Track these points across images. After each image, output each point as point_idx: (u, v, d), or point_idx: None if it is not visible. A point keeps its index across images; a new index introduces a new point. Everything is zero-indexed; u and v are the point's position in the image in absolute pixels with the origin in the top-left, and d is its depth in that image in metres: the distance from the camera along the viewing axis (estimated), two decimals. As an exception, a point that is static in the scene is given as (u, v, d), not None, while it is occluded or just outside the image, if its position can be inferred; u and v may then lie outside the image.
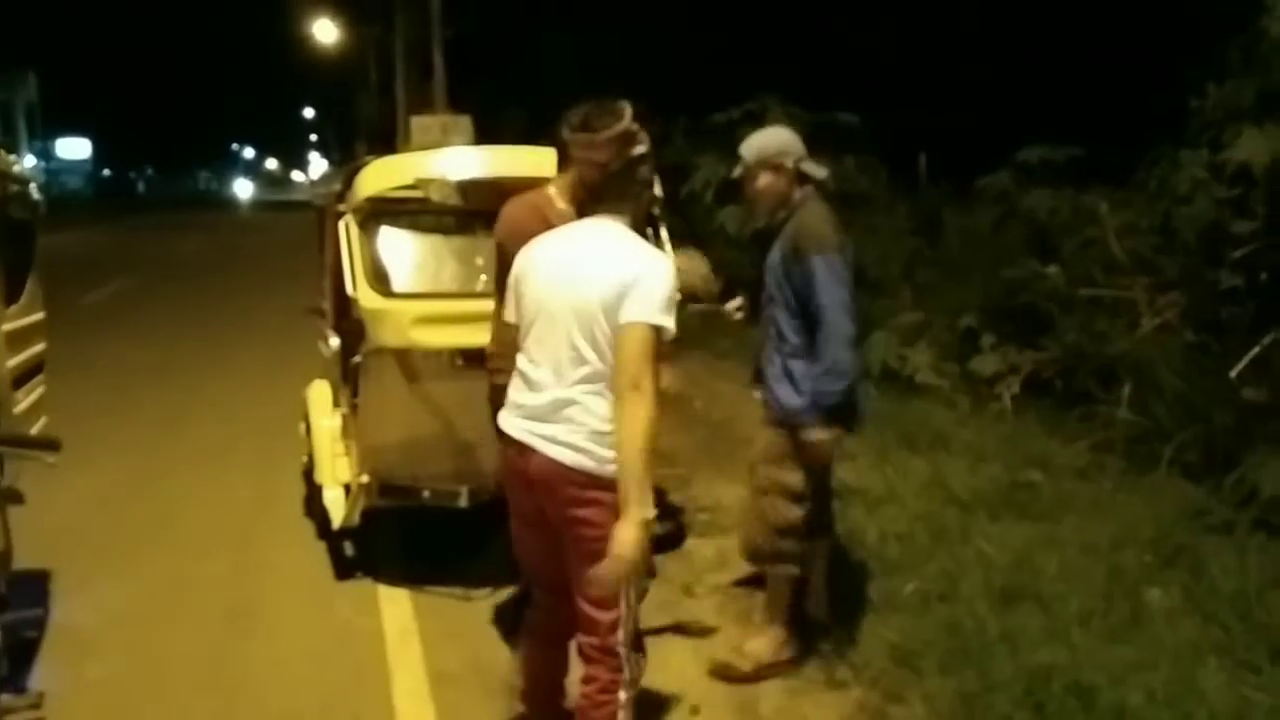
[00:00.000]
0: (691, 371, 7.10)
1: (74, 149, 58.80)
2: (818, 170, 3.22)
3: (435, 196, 3.92)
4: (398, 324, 3.74)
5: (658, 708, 3.02)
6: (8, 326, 3.27)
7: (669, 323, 2.26)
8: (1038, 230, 6.71)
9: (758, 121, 9.18)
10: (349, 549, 4.19)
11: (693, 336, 7.39)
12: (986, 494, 4.20)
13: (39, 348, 3.80)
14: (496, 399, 2.70)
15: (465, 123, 9.73)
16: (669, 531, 4.38)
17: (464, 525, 4.10)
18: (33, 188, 3.91)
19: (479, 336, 3.80)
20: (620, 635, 2.34)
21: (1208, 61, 5.55)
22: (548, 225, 3.14)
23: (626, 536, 2.16)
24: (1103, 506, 4.04)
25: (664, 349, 2.30)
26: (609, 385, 2.27)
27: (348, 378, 4.02)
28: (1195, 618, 3.12)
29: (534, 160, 4.09)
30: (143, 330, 10.43)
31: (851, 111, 9.22)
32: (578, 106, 2.50)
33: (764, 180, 3.18)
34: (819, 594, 3.31)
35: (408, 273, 4.03)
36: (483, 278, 4.04)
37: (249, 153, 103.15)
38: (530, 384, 2.38)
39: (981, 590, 3.30)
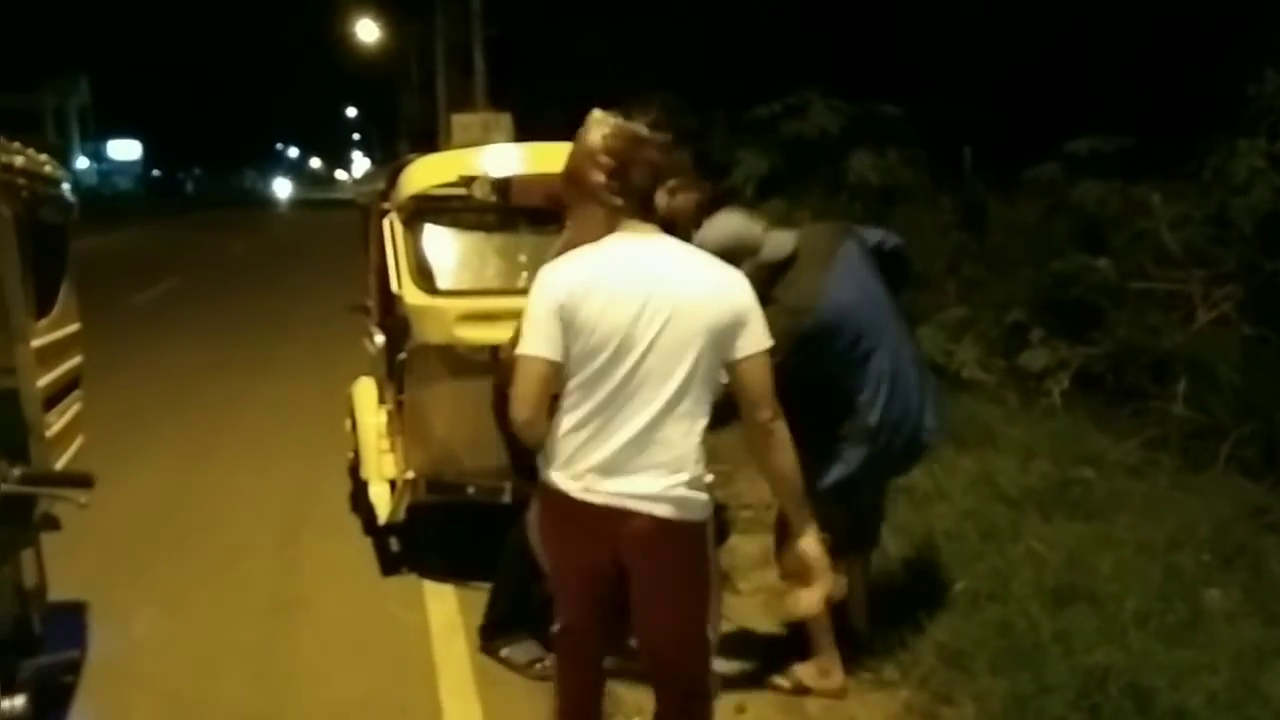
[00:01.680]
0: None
1: (125, 150, 60.15)
2: (777, 252, 2.95)
3: (478, 193, 3.93)
4: (442, 321, 3.76)
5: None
6: (38, 343, 2.99)
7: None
8: (1087, 222, 6.58)
9: (799, 115, 9.12)
10: (394, 544, 4.23)
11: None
12: (1037, 491, 4.12)
13: (74, 361, 3.51)
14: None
15: (506, 120, 9.76)
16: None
17: (508, 521, 4.10)
18: (65, 189, 3.58)
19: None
20: (710, 672, 2.29)
21: (1264, 46, 5.40)
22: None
23: (818, 554, 2.23)
24: (1158, 505, 3.94)
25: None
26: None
27: (393, 374, 4.05)
28: (1257, 619, 3.04)
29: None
30: (192, 328, 10.62)
31: (894, 102, 9.12)
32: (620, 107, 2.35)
33: None
34: (859, 605, 3.25)
35: (452, 270, 4.05)
36: (525, 274, 4.04)
37: (293, 152, 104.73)
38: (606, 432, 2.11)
39: (1033, 590, 3.23)
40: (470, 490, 3.98)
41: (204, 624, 3.69)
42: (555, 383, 2.11)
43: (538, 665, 3.30)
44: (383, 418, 4.36)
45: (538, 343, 2.09)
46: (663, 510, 2.08)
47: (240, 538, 4.51)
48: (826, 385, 2.85)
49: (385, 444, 4.28)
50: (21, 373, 2.83)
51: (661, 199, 2.23)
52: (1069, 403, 5.51)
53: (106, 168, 58.03)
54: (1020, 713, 2.66)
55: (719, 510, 4.55)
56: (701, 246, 2.79)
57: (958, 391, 5.93)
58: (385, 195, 4.28)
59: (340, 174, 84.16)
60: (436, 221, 4.07)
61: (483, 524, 4.24)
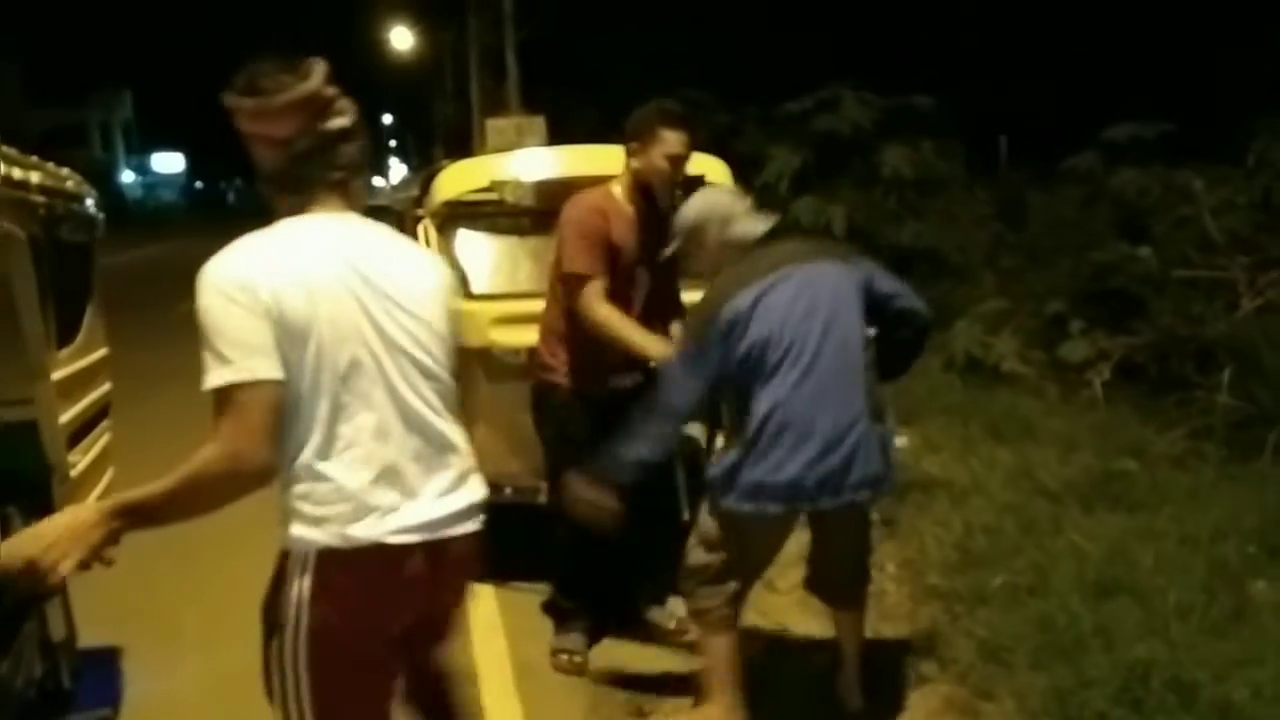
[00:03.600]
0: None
1: (168, 163, 61.35)
2: (746, 233, 2.83)
3: (510, 198, 3.98)
4: (477, 324, 3.81)
5: (741, 703, 3.01)
6: (60, 374, 2.73)
7: None
8: (1127, 211, 6.49)
9: (831, 109, 9.08)
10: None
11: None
12: (1078, 484, 4.07)
13: (102, 390, 3.27)
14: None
15: (539, 124, 9.83)
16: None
17: (544, 522, 4.14)
18: (90, 204, 3.30)
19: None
20: None
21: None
22: (608, 224, 3.19)
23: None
24: (1202, 496, 3.88)
25: None
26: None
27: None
28: (1305, 612, 2.98)
29: (606, 159, 4.10)
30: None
31: (928, 94, 9.04)
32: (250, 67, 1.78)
33: (688, 252, 2.93)
34: (850, 672, 2.96)
35: (485, 274, 4.11)
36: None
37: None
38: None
39: (1074, 583, 3.19)
40: (507, 491, 4.02)
41: (239, 621, 3.74)
42: None
43: (562, 656, 3.36)
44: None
45: None
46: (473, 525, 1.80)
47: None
48: (730, 383, 2.68)
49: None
50: (42, 409, 2.58)
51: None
52: (1111, 394, 5.44)
53: (151, 180, 59.23)
54: (1061, 707, 2.63)
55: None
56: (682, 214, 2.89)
57: (996, 384, 5.88)
58: (419, 201, 4.35)
59: (378, 181, 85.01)
60: (470, 226, 4.12)
61: (520, 525, 4.29)
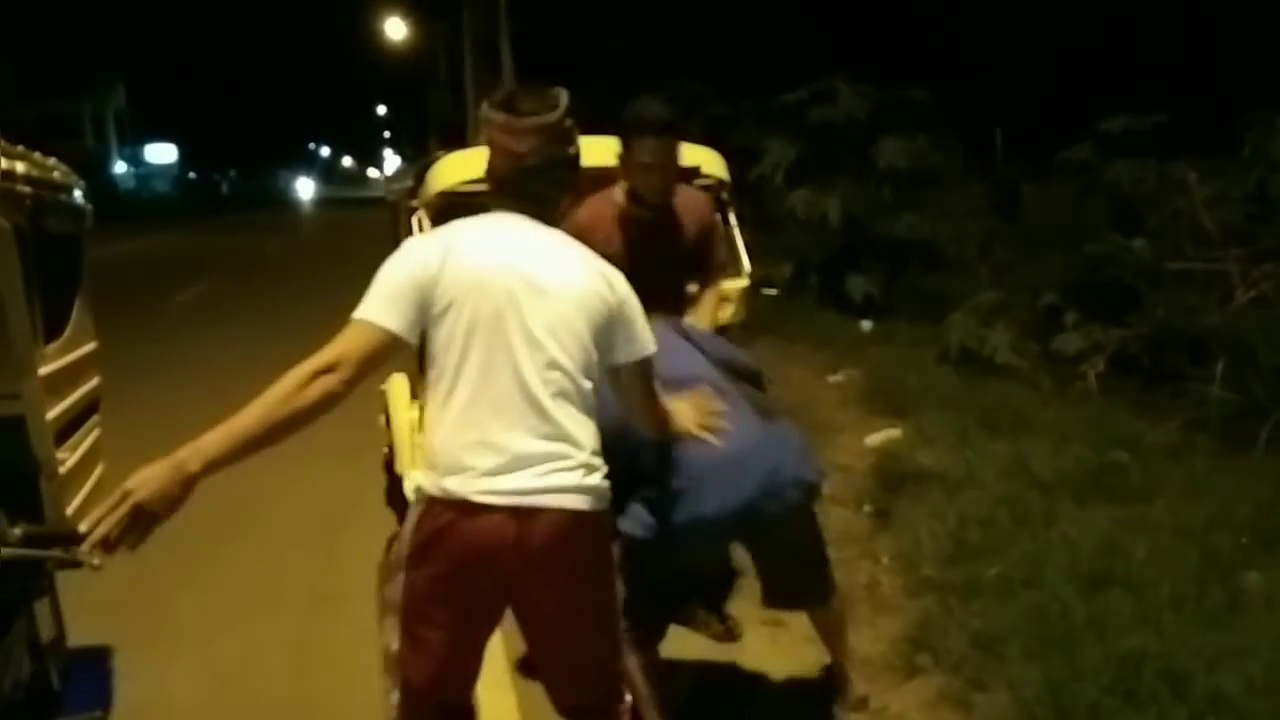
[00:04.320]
0: (762, 357, 7.05)
1: (161, 154, 61.04)
2: None
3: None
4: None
5: (737, 696, 3.02)
6: (47, 369, 2.67)
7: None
8: (1122, 203, 6.51)
9: (827, 101, 9.08)
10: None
11: (763, 322, 7.35)
12: (1071, 476, 4.08)
13: (91, 385, 3.19)
14: None
15: (533, 114, 9.77)
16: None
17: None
18: (78, 195, 3.20)
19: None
20: (624, 678, 2.09)
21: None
22: (598, 226, 3.17)
23: None
24: (1195, 488, 3.89)
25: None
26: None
27: (424, 369, 4.09)
28: (1297, 602, 3.00)
29: (599, 150, 4.07)
30: (231, 327, 10.79)
31: (924, 85, 9.04)
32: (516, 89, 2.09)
33: None
34: (841, 666, 2.96)
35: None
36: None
37: (325, 152, 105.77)
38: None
39: (1067, 575, 3.21)
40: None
41: (244, 618, 3.74)
42: None
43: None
44: (416, 413, 4.42)
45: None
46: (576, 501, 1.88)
47: (277, 534, 4.58)
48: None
49: (420, 439, 4.33)
50: (29, 406, 2.52)
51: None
52: (1105, 386, 5.45)
53: (144, 171, 58.95)
54: (1054, 698, 2.64)
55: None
56: None
57: (990, 376, 5.89)
58: (413, 193, 4.32)
59: (372, 172, 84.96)
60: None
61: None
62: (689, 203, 3.27)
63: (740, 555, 3.69)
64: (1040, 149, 7.97)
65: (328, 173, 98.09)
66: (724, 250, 3.56)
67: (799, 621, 3.46)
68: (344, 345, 1.85)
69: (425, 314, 1.87)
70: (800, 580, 2.83)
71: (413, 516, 1.91)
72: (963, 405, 5.27)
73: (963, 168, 9.31)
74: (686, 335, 2.78)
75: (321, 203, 52.83)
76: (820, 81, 9.16)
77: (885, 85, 9.03)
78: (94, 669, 3.27)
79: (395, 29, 27.89)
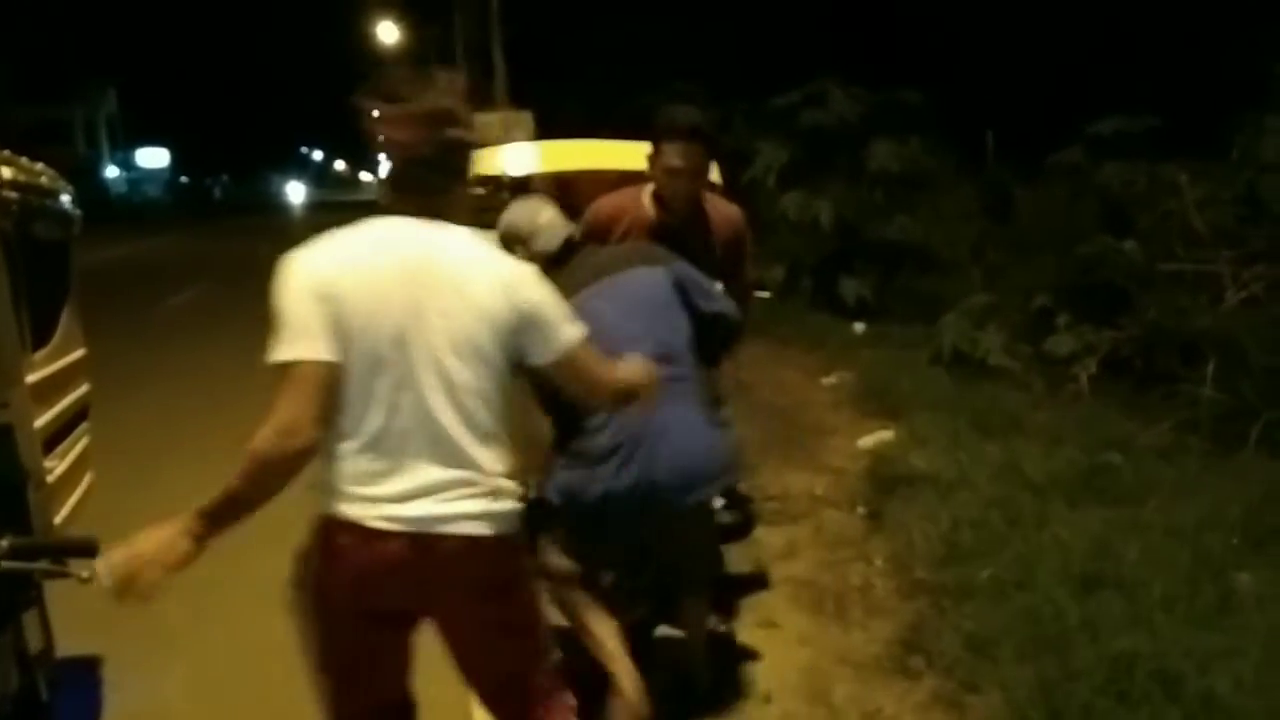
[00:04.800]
0: (755, 358, 7.07)
1: (153, 158, 60.86)
2: (546, 247, 2.81)
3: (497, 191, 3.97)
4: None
5: (731, 696, 3.02)
6: (35, 377, 2.64)
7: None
8: (1113, 205, 6.53)
9: (819, 104, 9.10)
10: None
11: (756, 325, 7.35)
12: (1063, 478, 4.09)
13: (79, 392, 3.13)
14: None
15: (526, 118, 9.79)
16: (737, 522, 4.36)
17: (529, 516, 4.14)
18: (65, 200, 3.14)
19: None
20: (557, 682, 2.04)
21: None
22: (617, 226, 3.16)
23: None
24: (1187, 489, 3.91)
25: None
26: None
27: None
28: (1287, 602, 3.01)
29: (594, 153, 4.11)
30: (223, 331, 10.75)
31: (916, 88, 9.07)
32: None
33: None
34: (698, 652, 2.95)
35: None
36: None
37: (318, 155, 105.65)
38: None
39: (1060, 577, 3.21)
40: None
41: (231, 621, 3.73)
42: None
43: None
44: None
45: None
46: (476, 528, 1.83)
47: (271, 536, 4.56)
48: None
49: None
50: (16, 414, 2.48)
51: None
52: (1097, 388, 5.47)
53: (136, 176, 58.77)
54: (1047, 700, 2.65)
55: (744, 502, 4.58)
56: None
57: (982, 378, 5.91)
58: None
59: (365, 176, 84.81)
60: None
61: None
62: (719, 214, 3.17)
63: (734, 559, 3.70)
64: (1032, 151, 7.99)
65: (320, 176, 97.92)
66: (753, 269, 3.38)
67: (791, 622, 3.47)
68: (292, 403, 1.76)
69: (340, 336, 1.76)
70: (684, 574, 2.89)
71: (315, 536, 1.87)
72: (955, 407, 5.28)
73: (955, 170, 9.33)
74: (684, 289, 2.72)
75: (314, 206, 52.60)
76: (812, 84, 9.18)
77: (877, 88, 9.06)
78: (83, 680, 3.23)
79: (388, 33, 27.87)
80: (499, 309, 1.81)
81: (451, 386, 1.79)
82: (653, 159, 3.05)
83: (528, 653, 1.98)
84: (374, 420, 1.78)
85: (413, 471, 1.78)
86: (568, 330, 1.91)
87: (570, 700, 2.05)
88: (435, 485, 1.79)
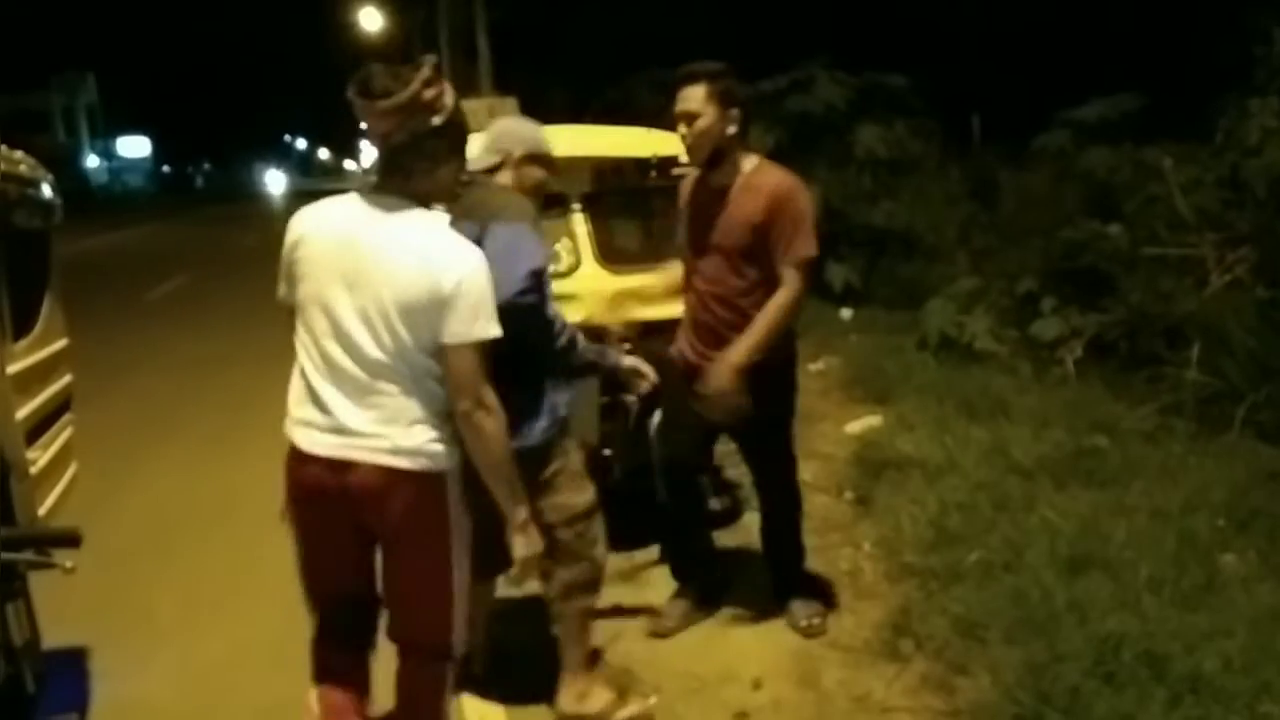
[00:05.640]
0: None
1: (134, 147, 60.35)
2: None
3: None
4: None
5: (720, 681, 3.03)
6: (16, 368, 2.63)
7: (495, 329, 2.08)
8: (1098, 189, 6.54)
9: (804, 89, 9.07)
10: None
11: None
12: (1050, 461, 4.11)
13: (62, 383, 3.13)
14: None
15: (511, 104, 9.72)
16: (726, 507, 4.37)
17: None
18: (45, 188, 3.13)
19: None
20: (454, 625, 2.25)
21: (1273, 5, 5.33)
22: (684, 198, 3.21)
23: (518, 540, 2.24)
24: (1172, 471, 3.93)
25: None
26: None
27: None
28: (1272, 583, 3.03)
29: (579, 139, 4.06)
30: (207, 322, 10.69)
31: (901, 73, 9.04)
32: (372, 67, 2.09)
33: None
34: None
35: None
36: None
37: (301, 144, 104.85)
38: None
39: (1047, 559, 3.23)
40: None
41: (227, 611, 3.71)
42: None
43: (660, 618, 3.42)
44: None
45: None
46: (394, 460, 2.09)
47: (259, 527, 4.54)
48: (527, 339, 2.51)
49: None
50: None
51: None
52: (1082, 371, 5.50)
53: (117, 165, 58.26)
54: (1035, 682, 2.66)
55: (732, 488, 4.58)
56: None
57: (969, 363, 5.92)
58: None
59: (349, 164, 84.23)
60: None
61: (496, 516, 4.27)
62: (761, 181, 3.05)
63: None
64: (1017, 135, 8.00)
65: (304, 165, 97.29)
66: (803, 246, 3.03)
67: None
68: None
69: (291, 285, 2.14)
70: None
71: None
72: (942, 392, 5.29)
73: (940, 155, 9.33)
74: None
75: (297, 195, 52.22)
76: (798, 69, 9.15)
77: (862, 73, 9.03)
78: (70, 671, 3.22)
79: (370, 20, 27.62)
80: (414, 287, 2.01)
81: (358, 346, 2.05)
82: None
83: (435, 590, 2.21)
84: (308, 360, 2.13)
85: (331, 410, 2.09)
86: (473, 327, 2.05)
87: (459, 650, 2.29)
88: (346, 426, 2.08)
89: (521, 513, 2.23)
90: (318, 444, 2.10)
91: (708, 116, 3.01)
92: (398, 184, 2.08)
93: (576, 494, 2.73)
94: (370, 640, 2.36)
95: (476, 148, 2.61)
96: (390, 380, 2.06)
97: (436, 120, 2.04)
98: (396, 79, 2.01)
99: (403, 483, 2.08)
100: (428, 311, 2.02)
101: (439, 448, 2.12)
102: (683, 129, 3.07)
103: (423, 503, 2.12)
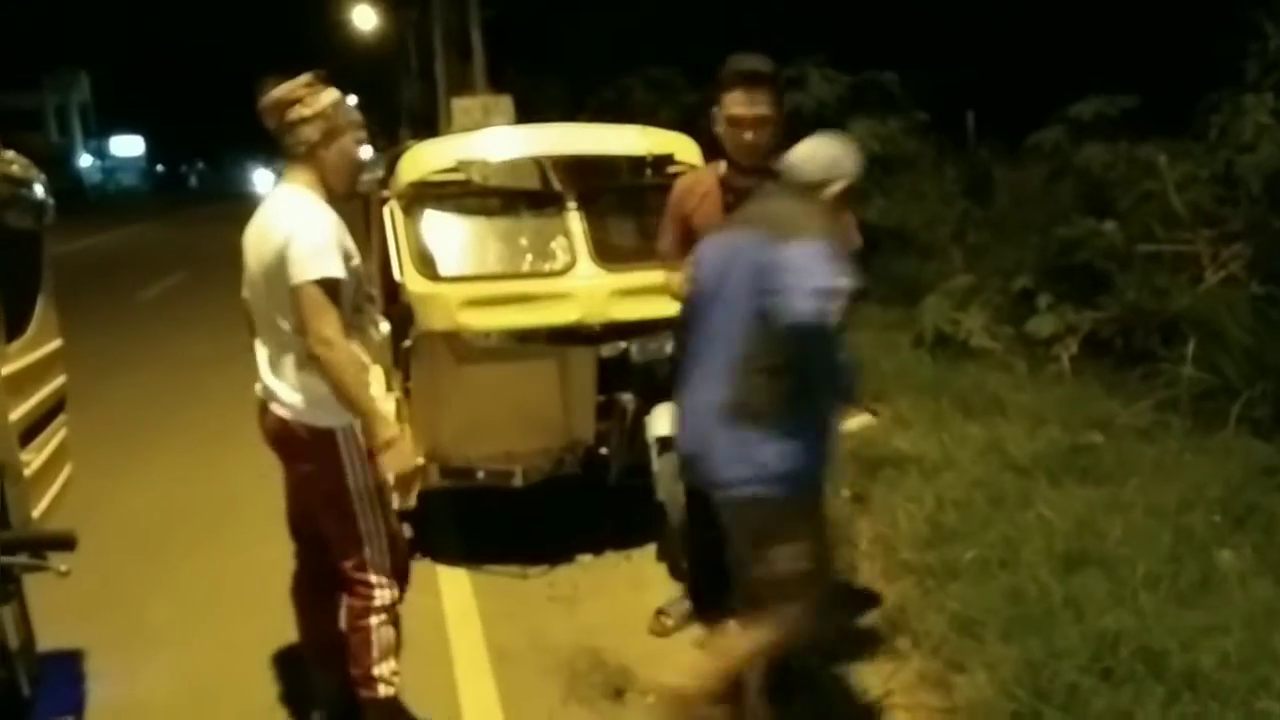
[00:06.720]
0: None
1: (128, 146, 60.16)
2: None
3: (477, 178, 3.94)
4: (445, 307, 3.76)
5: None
6: (9, 369, 2.62)
7: (332, 270, 2.40)
8: (1093, 186, 6.54)
9: (797, 87, 9.06)
10: (407, 530, 4.24)
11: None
12: (1046, 458, 4.11)
13: (56, 383, 3.13)
14: None
15: (506, 102, 9.70)
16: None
17: (519, 505, 4.13)
18: (38, 188, 3.11)
19: (526, 317, 3.82)
20: (369, 565, 2.62)
21: (1265, 1, 5.34)
22: (694, 202, 3.13)
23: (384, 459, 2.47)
24: (1168, 467, 3.93)
25: None
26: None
27: (399, 362, 4.07)
28: (1268, 578, 3.03)
29: (575, 137, 4.06)
30: (200, 321, 10.64)
31: (895, 70, 9.03)
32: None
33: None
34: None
35: (453, 256, 4.05)
36: (529, 258, 4.04)
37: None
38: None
39: (1043, 556, 3.23)
40: (480, 475, 4.01)
41: (222, 616, 3.70)
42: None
43: (660, 617, 3.45)
44: (391, 405, 4.38)
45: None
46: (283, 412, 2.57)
47: (253, 528, 4.52)
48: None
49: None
50: None
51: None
52: (1078, 368, 5.50)
53: (110, 164, 58.08)
54: (1032, 678, 2.67)
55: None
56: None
57: (965, 360, 5.92)
58: (385, 182, 4.28)
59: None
60: (436, 207, 4.06)
61: (493, 508, 4.27)
62: None
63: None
64: (1012, 132, 7.99)
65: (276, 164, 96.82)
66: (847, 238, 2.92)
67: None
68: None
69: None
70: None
71: None
72: (938, 389, 5.29)
73: (935, 152, 9.32)
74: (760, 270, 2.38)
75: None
76: (790, 66, 9.13)
77: (855, 70, 9.03)
78: (66, 673, 3.21)
79: (364, 18, 27.56)
80: (271, 253, 2.44)
81: (268, 315, 2.53)
82: (717, 115, 2.97)
83: (334, 524, 2.61)
84: (257, 332, 2.64)
85: (263, 366, 2.60)
86: (307, 267, 2.38)
87: (378, 596, 2.64)
88: (270, 378, 2.59)
89: (385, 430, 2.44)
90: (260, 394, 2.63)
91: (770, 123, 2.94)
92: (290, 166, 2.57)
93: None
94: (333, 579, 2.70)
95: (810, 167, 2.64)
96: (280, 343, 2.52)
97: (282, 121, 2.52)
98: (272, 84, 2.54)
99: (294, 430, 2.54)
100: (279, 271, 2.41)
101: (317, 404, 2.51)
102: (749, 135, 2.92)
103: (309, 451, 2.55)
